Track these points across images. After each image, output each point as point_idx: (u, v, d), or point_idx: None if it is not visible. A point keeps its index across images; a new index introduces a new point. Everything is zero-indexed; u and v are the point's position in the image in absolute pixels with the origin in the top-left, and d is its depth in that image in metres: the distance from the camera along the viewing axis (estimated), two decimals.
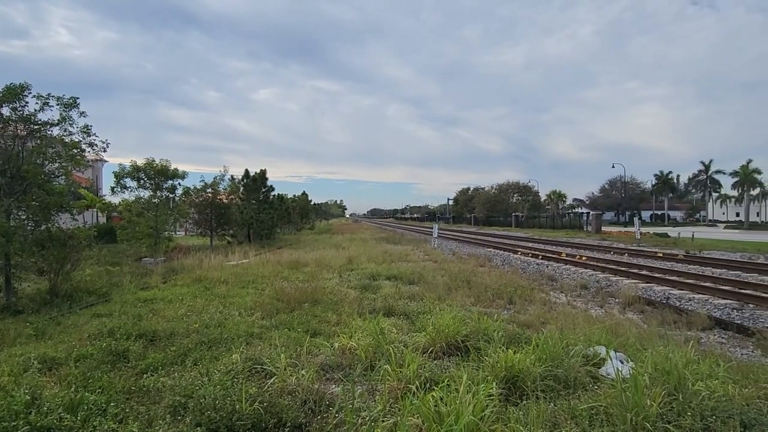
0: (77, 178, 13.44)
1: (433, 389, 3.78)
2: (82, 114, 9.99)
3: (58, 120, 9.25)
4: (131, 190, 16.56)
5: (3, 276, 9.23)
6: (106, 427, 3.53)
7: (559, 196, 77.54)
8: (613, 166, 69.47)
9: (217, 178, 24.82)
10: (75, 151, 9.41)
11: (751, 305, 8.77)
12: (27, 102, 9.32)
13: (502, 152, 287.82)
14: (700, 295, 9.74)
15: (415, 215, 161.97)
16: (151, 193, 16.90)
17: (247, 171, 32.39)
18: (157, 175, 16.45)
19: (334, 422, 3.73)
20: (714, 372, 4.24)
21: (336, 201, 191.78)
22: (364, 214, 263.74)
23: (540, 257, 18.42)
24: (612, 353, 5.39)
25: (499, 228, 61.72)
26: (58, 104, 9.75)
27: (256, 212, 30.85)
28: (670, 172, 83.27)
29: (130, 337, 6.30)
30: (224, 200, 25.48)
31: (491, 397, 3.62)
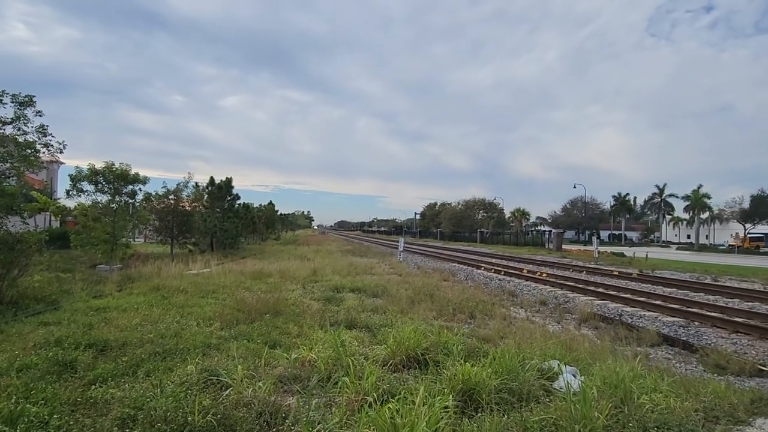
0: (30, 180, 12.85)
1: (390, 401, 3.80)
2: (38, 113, 9.66)
3: (12, 118, 8.88)
4: (88, 194, 15.93)
5: None
6: None
7: (523, 214, 79.51)
8: (575, 187, 71.76)
9: (181, 184, 24.23)
10: (29, 151, 9.03)
11: (696, 323, 9.22)
12: None
13: (469, 169, 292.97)
14: (651, 313, 10.17)
15: (382, 228, 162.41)
16: (110, 197, 16.31)
17: (212, 178, 31.74)
18: (117, 179, 15.91)
19: None
20: (658, 386, 4.44)
21: (303, 212, 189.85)
22: (331, 226, 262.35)
23: (502, 273, 18.78)
24: (564, 367, 5.55)
25: (464, 243, 62.56)
26: (12, 102, 9.39)
27: (220, 221, 30.20)
28: (628, 194, 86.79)
29: (78, 346, 6.04)
30: (187, 207, 24.84)
31: (446, 410, 3.68)
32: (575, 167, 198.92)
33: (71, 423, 3.74)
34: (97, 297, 10.91)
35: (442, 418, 3.49)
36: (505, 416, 3.84)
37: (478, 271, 20.28)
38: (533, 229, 74.93)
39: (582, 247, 46.92)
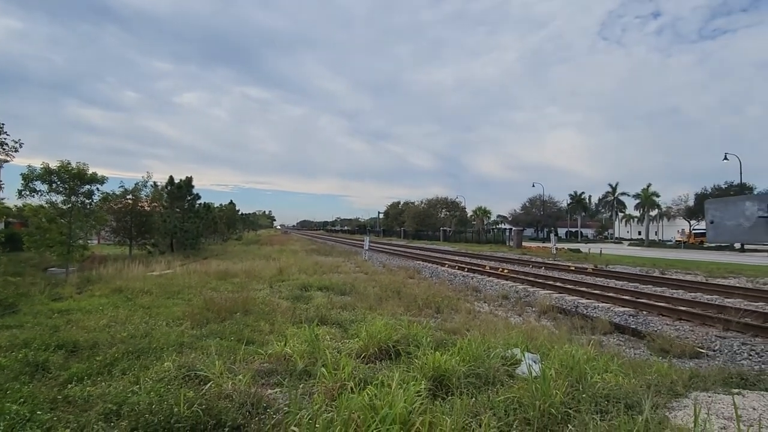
0: None
1: (368, 387, 4.05)
2: None
3: None
4: (41, 194, 15.35)
5: None
6: None
7: (484, 212, 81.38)
8: (533, 186, 74.32)
9: (139, 184, 23.61)
10: None
11: (644, 312, 9.95)
12: None
13: (432, 168, 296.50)
14: (604, 304, 10.86)
15: (346, 228, 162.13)
16: (64, 197, 15.77)
17: (171, 177, 31.01)
18: (73, 178, 15.40)
19: (272, 422, 3.87)
20: (609, 367, 4.90)
21: (264, 212, 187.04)
22: (294, 226, 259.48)
23: (466, 270, 19.36)
24: (527, 354, 5.99)
25: (427, 242, 63.49)
26: None
27: (180, 221, 29.55)
28: (583, 193, 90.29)
29: (47, 348, 5.99)
30: (146, 208, 24.21)
31: (420, 393, 3.96)
32: (534, 166, 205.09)
33: (54, 419, 3.80)
34: (56, 300, 10.63)
35: (416, 400, 3.76)
36: (474, 398, 4.16)
37: (443, 268, 20.81)
38: (494, 227, 76.82)
39: (541, 244, 48.62)
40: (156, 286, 12.56)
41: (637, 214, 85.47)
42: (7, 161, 9.61)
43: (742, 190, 50.18)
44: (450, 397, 4.21)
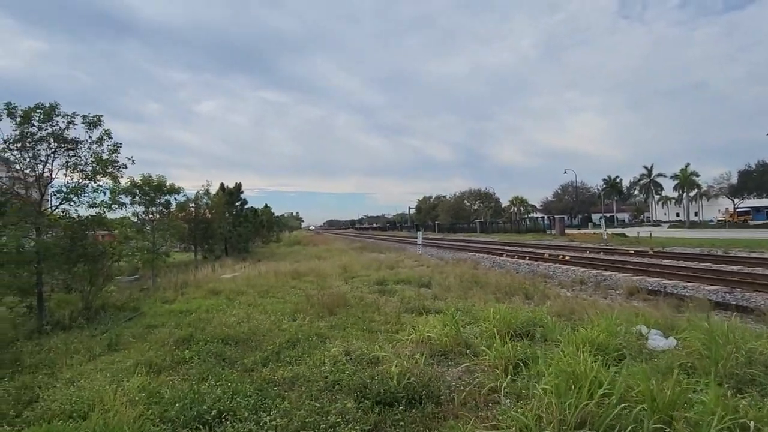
0: None
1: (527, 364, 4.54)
2: (107, 132, 10.14)
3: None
4: (125, 207, 16.36)
5: (34, 296, 9.16)
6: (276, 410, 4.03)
7: (521, 201, 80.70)
8: (565, 172, 73.85)
9: (200, 192, 24.69)
10: (109, 168, 9.57)
11: (738, 289, 10.06)
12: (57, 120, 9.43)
13: (452, 160, 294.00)
14: (691, 283, 10.99)
15: (375, 225, 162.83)
16: (145, 208, 16.77)
17: (222, 185, 32.22)
18: (153, 190, 16.38)
19: (467, 390, 4.36)
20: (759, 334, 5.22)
21: (292, 213, 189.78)
22: (322, 226, 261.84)
23: (527, 258, 19.59)
24: (652, 331, 6.39)
25: (464, 234, 63.58)
26: (83, 122, 9.88)
27: (232, 226, 30.67)
28: (618, 177, 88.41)
29: (207, 342, 6.63)
30: (208, 215, 25.31)
31: (596, 360, 4.38)
32: (556, 152, 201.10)
33: (281, 393, 4.41)
34: (166, 303, 11.41)
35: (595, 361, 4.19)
36: (643, 363, 4.56)
37: (501, 258, 21.07)
38: (526, 216, 76.15)
39: (580, 231, 48.17)
40: (244, 287, 13.26)
41: (674, 195, 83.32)
42: (118, 177, 10.36)
43: None
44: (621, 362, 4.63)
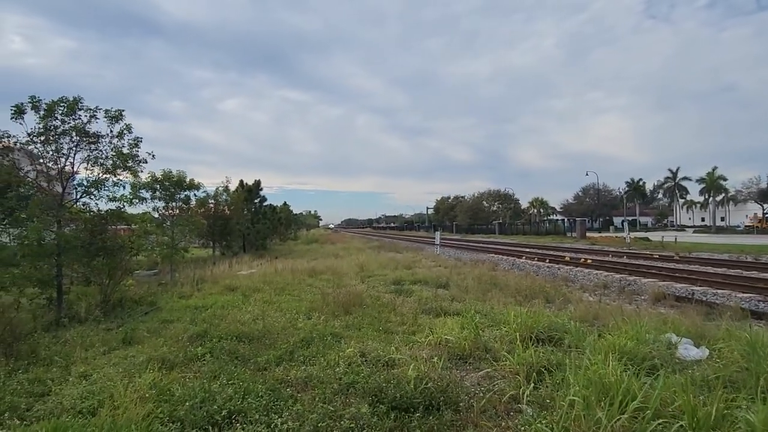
0: None
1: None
2: (128, 127, 10.16)
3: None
4: (145, 201, 16.48)
5: (53, 288, 9.22)
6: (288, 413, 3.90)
7: (541, 203, 79.62)
8: (587, 174, 72.34)
9: (219, 189, 24.86)
10: (129, 163, 9.60)
11: None
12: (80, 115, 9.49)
13: (471, 161, 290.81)
14: (722, 291, 10.54)
15: (392, 224, 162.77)
16: (165, 203, 16.89)
17: (241, 181, 32.46)
18: (173, 185, 16.48)
19: (487, 397, 4.16)
20: None
21: (311, 211, 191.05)
22: (340, 224, 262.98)
23: (547, 261, 19.19)
24: (683, 340, 6.07)
25: (482, 235, 63.00)
26: (105, 116, 9.92)
27: (251, 222, 30.82)
28: (641, 180, 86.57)
29: (221, 339, 6.54)
30: (227, 211, 25.48)
31: (626, 370, 4.13)
32: (577, 155, 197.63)
33: (293, 394, 4.27)
34: (182, 297, 11.42)
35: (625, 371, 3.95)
36: (676, 374, 4.29)
37: (521, 260, 20.68)
38: (546, 218, 75.11)
39: (601, 234, 47.22)
40: (261, 284, 13.20)
41: (699, 199, 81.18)
42: (138, 172, 10.39)
43: None
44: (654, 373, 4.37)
